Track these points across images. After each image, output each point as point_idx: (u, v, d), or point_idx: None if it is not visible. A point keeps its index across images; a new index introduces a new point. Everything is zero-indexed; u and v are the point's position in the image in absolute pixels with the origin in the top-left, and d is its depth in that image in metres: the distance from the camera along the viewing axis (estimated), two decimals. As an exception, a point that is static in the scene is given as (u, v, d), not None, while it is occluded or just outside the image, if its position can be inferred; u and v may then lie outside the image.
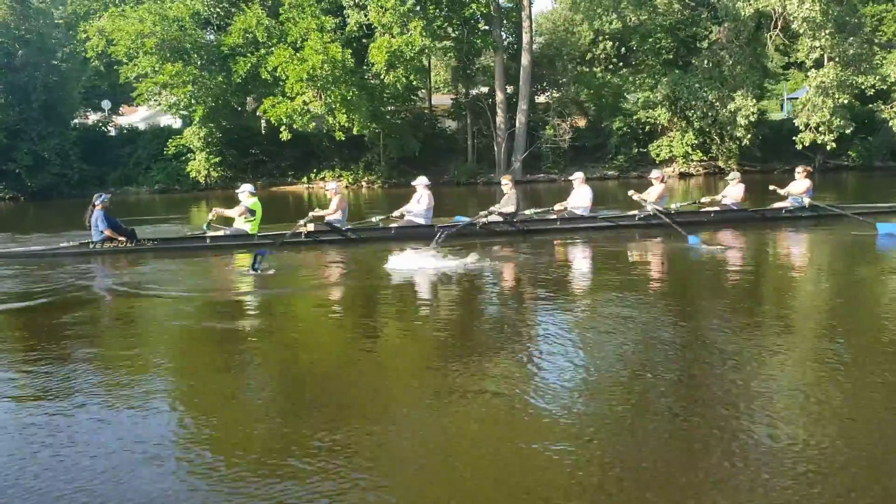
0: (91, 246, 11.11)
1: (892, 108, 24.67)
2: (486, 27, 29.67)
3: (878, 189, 20.83)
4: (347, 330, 6.74)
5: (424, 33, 25.78)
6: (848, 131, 25.10)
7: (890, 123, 24.75)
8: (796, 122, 25.79)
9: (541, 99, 32.09)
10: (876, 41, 26.12)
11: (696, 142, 29.03)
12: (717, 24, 28.02)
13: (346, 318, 7.31)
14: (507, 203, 11.98)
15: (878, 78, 24.00)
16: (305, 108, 25.16)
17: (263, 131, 30.11)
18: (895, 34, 26.07)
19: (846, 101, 24.19)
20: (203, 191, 28.91)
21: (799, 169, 13.21)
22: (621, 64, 33.01)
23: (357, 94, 24.96)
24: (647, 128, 29.96)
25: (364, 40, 27.19)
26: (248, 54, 26.04)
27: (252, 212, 11.47)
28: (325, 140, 28.48)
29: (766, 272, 9.34)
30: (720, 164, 29.46)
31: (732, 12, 26.07)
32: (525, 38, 28.52)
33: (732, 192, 12.97)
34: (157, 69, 25.62)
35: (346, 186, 29.19)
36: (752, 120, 26.87)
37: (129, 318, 7.66)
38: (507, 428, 4.07)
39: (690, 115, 27.98)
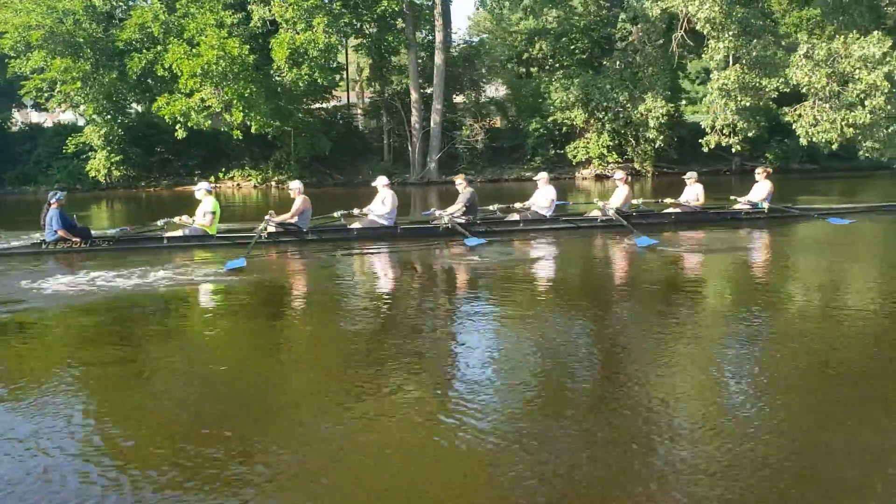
0: (44, 246, 10.73)
1: (794, 111, 24.57)
2: (404, 24, 29.09)
3: (796, 191, 20.76)
4: (272, 335, 6.58)
5: (330, 30, 25.12)
6: (751, 134, 25.01)
7: (793, 126, 24.68)
8: (703, 124, 25.67)
9: (459, 99, 31.57)
10: (784, 43, 26.04)
11: (611, 143, 28.82)
12: (634, 25, 27.84)
13: (278, 323, 7.09)
14: (460, 202, 11.93)
15: (781, 80, 23.90)
16: (203, 104, 24.32)
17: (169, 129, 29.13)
18: (797, 34, 25.93)
19: (748, 104, 24.04)
20: (104, 190, 27.93)
21: (759, 170, 13.45)
22: (557, 65, 32.67)
23: (255, 91, 24.19)
24: (564, 129, 29.67)
25: (270, 37, 26.39)
26: (145, 50, 25.10)
27: (213, 213, 11.21)
28: (234, 138, 27.65)
29: (712, 274, 9.34)
30: (636, 165, 29.31)
31: (641, 13, 25.84)
32: (438, 36, 28.00)
33: (690, 192, 13.06)
34: (47, 64, 24.57)
35: (255, 186, 28.45)
36: (663, 121, 26.74)
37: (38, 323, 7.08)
38: (421, 435, 4.01)
39: (602, 116, 27.73)
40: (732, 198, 13.51)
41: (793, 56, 23.97)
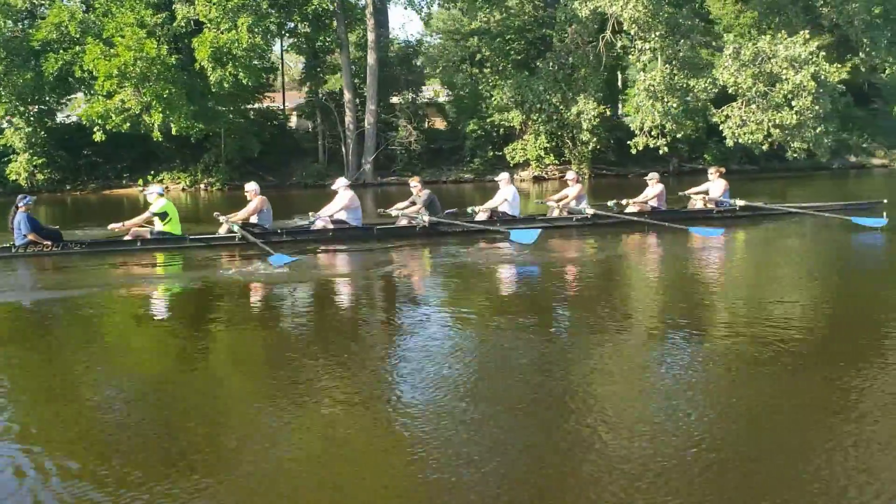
0: (13, 250, 10.63)
1: (722, 111, 24.43)
2: (340, 24, 28.60)
3: (734, 192, 20.49)
4: (204, 339, 6.55)
5: (256, 30, 24.61)
6: (680, 135, 24.84)
7: (721, 127, 24.54)
8: (631, 126, 25.46)
9: (396, 100, 31.10)
10: (714, 44, 25.89)
11: (548, 145, 28.56)
12: (569, 26, 27.56)
13: (212, 326, 7.04)
14: (419, 203, 12.04)
15: (708, 81, 23.75)
16: (123, 106, 23.70)
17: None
18: (726, 35, 25.74)
19: (676, 105, 23.86)
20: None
21: (711, 170, 13.67)
22: (490, 66, 32.31)
23: (176, 92, 23.62)
24: (502, 131, 29.38)
25: (195, 37, 25.81)
26: (62, 51, 24.43)
27: (164, 214, 11.06)
28: (165, 141, 27.02)
29: (663, 275, 9.46)
30: (573, 167, 29.06)
31: (570, 13, 25.59)
32: (371, 36, 27.57)
33: (651, 192, 13.17)
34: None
35: (183, 189, 27.83)
36: (595, 123, 26.49)
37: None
38: (352, 441, 3.99)
39: (535, 118, 27.45)
40: (681, 194, 13.70)
41: (717, 56, 23.85)
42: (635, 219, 12.75)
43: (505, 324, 6.54)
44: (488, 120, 28.99)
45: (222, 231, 11.33)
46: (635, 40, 24.00)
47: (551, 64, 26.90)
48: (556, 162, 29.08)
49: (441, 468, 3.61)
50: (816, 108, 23.41)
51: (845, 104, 33.17)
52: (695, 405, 4.37)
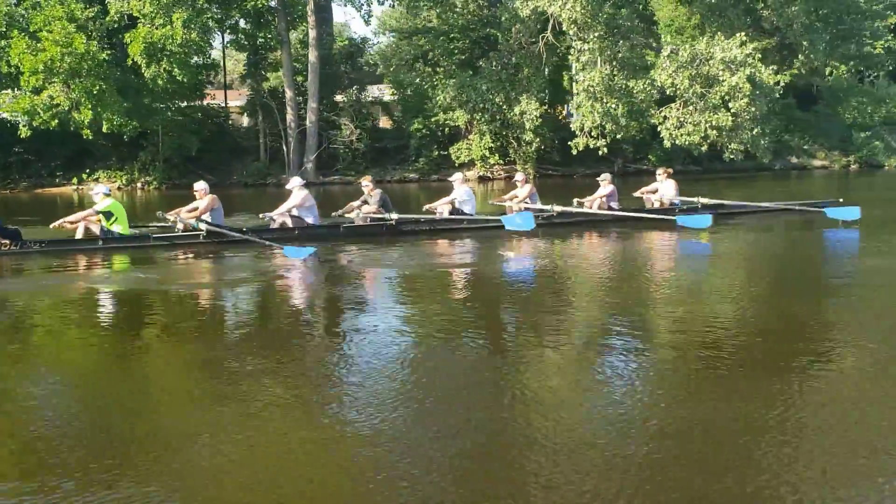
0: None
1: (660, 112, 24.54)
2: (281, 21, 28.16)
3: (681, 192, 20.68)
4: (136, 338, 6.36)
5: (192, 25, 24.10)
6: (620, 136, 24.90)
7: (659, 129, 24.65)
8: (572, 126, 25.45)
9: (340, 98, 30.75)
10: (655, 46, 26.00)
11: (492, 145, 28.46)
12: (513, 26, 27.48)
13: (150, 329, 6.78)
14: (374, 203, 11.94)
15: (647, 82, 23.82)
16: (51, 102, 23.02)
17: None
18: (666, 36, 25.92)
19: (615, 106, 23.89)
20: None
21: (660, 171, 13.75)
22: (431, 65, 32.14)
23: (107, 89, 23.02)
24: (447, 130, 29.21)
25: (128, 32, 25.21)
26: (-12, 44, 23.70)
27: (109, 213, 10.83)
28: (101, 138, 26.33)
29: (612, 273, 9.38)
30: (518, 167, 29.02)
31: (512, 13, 25.51)
32: (312, 33, 27.18)
33: (602, 192, 13.23)
34: None
35: (119, 188, 27.14)
36: (538, 123, 26.44)
37: None
38: (289, 442, 3.92)
39: (479, 118, 27.34)
40: (636, 195, 13.84)
41: (657, 58, 23.94)
42: (633, 215, 13.03)
43: (454, 326, 6.47)
44: (433, 119, 28.80)
45: (180, 228, 11.17)
46: (575, 41, 23.93)
47: (494, 63, 26.79)
48: (501, 162, 29.02)
49: (377, 468, 3.59)
50: (752, 109, 23.60)
51: (787, 106, 33.76)
52: (637, 417, 4.24)
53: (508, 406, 4.39)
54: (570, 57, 24.44)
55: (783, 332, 6.00)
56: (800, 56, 28.98)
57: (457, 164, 29.05)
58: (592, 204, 13.10)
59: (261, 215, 11.85)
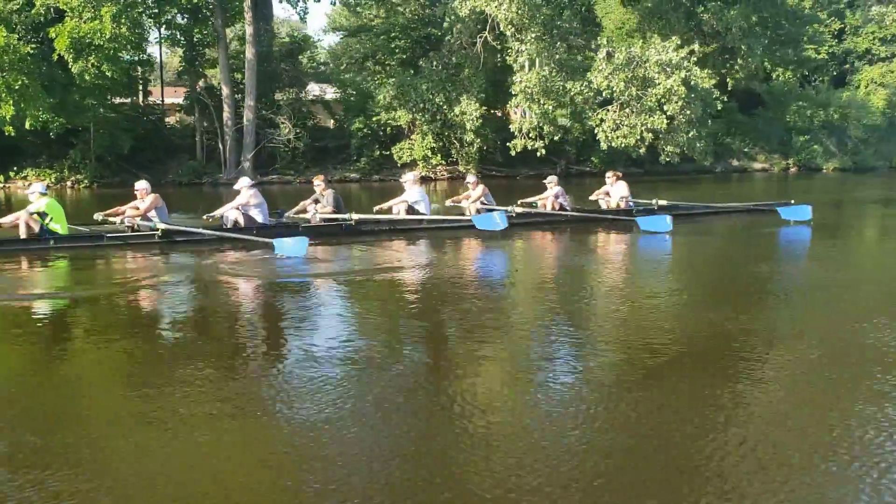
0: None
1: (597, 115, 24.57)
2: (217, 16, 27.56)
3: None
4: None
5: (122, 20, 23.42)
6: (557, 137, 24.88)
7: (596, 131, 24.68)
8: (511, 127, 25.34)
9: (280, 96, 30.21)
10: (593, 47, 25.99)
11: (434, 145, 28.24)
12: (454, 25, 27.27)
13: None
14: (327, 204, 11.89)
15: (584, 84, 23.82)
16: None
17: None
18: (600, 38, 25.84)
19: (552, 107, 23.85)
20: None
21: (609, 174, 14.02)
22: (370, 64, 31.78)
23: (31, 84, 22.25)
24: (389, 130, 28.90)
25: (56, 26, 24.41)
26: None
27: (44, 214, 10.66)
28: (27, 135, 25.47)
29: (564, 275, 9.48)
30: (461, 168, 28.88)
31: (451, 12, 25.32)
32: (249, 29, 26.67)
33: (551, 193, 13.32)
34: None
35: (49, 186, 26.25)
36: (478, 124, 26.29)
37: None
38: (221, 451, 3.88)
39: (419, 117, 27.11)
40: (592, 198, 14.05)
41: (594, 60, 23.95)
42: (592, 215, 13.40)
43: (396, 329, 6.47)
44: (374, 119, 28.48)
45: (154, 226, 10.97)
46: (513, 41, 23.83)
47: (435, 63, 26.58)
48: (444, 162, 28.82)
49: (309, 479, 3.57)
50: (688, 112, 23.75)
51: (730, 110, 34.16)
52: (572, 419, 4.28)
53: (441, 408, 4.43)
54: (507, 58, 24.30)
55: (723, 336, 6.07)
56: (738, 60, 29.26)
57: (399, 165, 28.80)
58: (546, 204, 13.27)
59: (205, 216, 11.64)
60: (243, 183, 11.77)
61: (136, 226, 10.98)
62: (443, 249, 11.30)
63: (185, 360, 5.51)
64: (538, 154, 24.93)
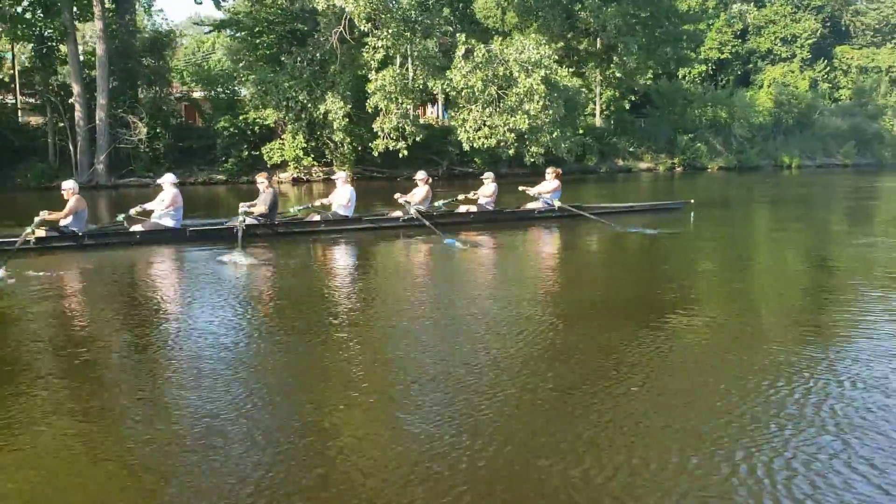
0: None
1: (459, 115, 23.88)
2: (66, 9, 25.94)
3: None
4: None
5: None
6: (419, 138, 24.10)
7: (458, 131, 23.98)
8: (375, 127, 24.44)
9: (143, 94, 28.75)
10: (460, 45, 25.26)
11: (306, 145, 27.18)
12: (322, 21, 26.27)
13: None
14: (261, 203, 11.61)
15: (446, 83, 23.08)
16: None
17: None
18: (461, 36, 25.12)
19: (411, 106, 23.06)
20: None
21: (549, 170, 14.01)
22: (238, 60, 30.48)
23: None
24: (258, 129, 27.72)
25: None
26: None
27: None
28: None
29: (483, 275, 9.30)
30: (336, 169, 27.91)
31: (309, 7, 24.32)
32: (99, 24, 25.18)
33: (485, 191, 13.40)
34: None
35: None
36: (345, 122, 25.33)
37: None
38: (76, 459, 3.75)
39: (283, 116, 26.04)
40: (521, 188, 14.03)
41: (453, 58, 23.23)
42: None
43: (271, 331, 6.24)
44: (241, 118, 27.29)
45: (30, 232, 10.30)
46: (370, 38, 22.95)
47: (298, 59, 25.52)
48: (317, 163, 27.80)
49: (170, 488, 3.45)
50: (550, 112, 23.22)
51: (618, 109, 33.97)
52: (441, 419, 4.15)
53: (308, 411, 4.34)
54: (364, 55, 23.40)
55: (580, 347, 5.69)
56: (615, 58, 28.98)
57: (269, 166, 27.67)
58: (483, 202, 13.44)
59: (126, 215, 11.22)
60: (168, 179, 11.40)
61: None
62: (352, 254, 11.06)
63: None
64: (400, 155, 24.11)
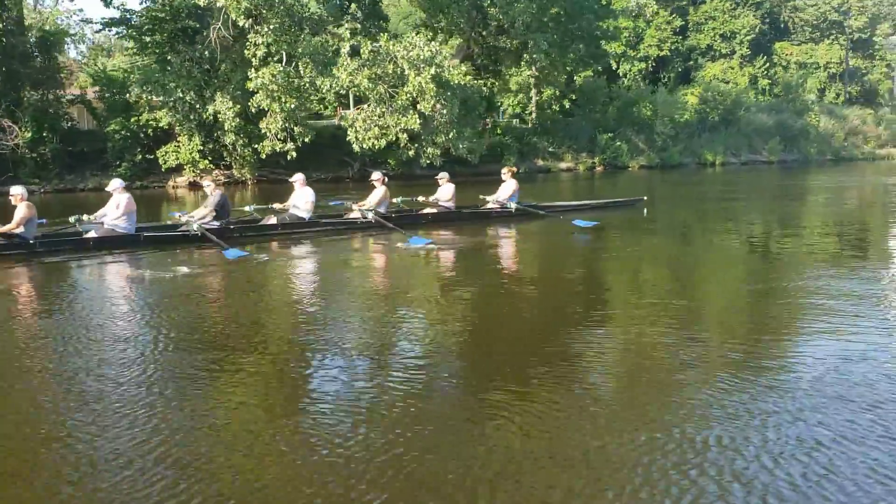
0: None
1: (348, 115, 22.91)
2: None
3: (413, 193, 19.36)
4: None
5: None
6: (308, 139, 23.10)
7: (348, 132, 23.01)
8: (262, 128, 23.34)
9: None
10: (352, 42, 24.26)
11: (203, 148, 26.02)
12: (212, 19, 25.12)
13: None
14: (209, 205, 11.45)
15: (334, 81, 22.09)
16: None
17: None
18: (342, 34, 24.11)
19: (296, 105, 22.03)
20: None
21: (504, 170, 14.16)
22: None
23: None
24: (152, 132, 26.50)
25: None
26: None
27: None
28: None
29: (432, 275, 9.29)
30: (235, 172, 26.82)
31: (191, 3, 23.20)
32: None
33: (443, 192, 13.50)
34: None
35: None
36: (236, 123, 24.21)
37: None
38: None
39: (172, 117, 24.88)
40: (482, 197, 14.10)
41: (339, 56, 22.24)
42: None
43: (191, 341, 6.09)
44: (133, 119, 26.07)
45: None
46: (250, 34, 21.88)
47: (186, 59, 24.37)
48: (214, 166, 26.64)
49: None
50: (444, 111, 22.34)
51: (538, 108, 33.24)
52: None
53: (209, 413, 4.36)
54: (246, 51, 22.32)
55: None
56: (525, 56, 28.22)
57: (164, 169, 26.50)
58: (444, 206, 13.46)
59: (85, 217, 10.95)
60: (116, 184, 11.00)
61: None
62: (303, 259, 10.93)
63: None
64: (288, 157, 23.09)
